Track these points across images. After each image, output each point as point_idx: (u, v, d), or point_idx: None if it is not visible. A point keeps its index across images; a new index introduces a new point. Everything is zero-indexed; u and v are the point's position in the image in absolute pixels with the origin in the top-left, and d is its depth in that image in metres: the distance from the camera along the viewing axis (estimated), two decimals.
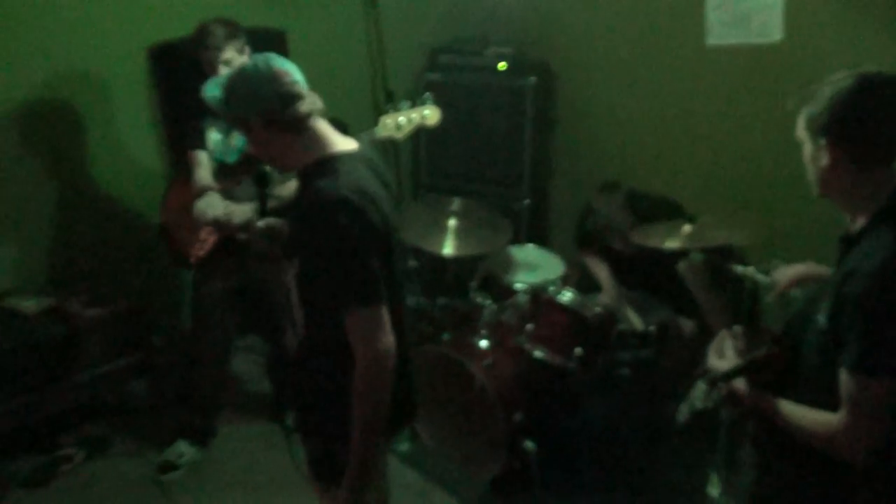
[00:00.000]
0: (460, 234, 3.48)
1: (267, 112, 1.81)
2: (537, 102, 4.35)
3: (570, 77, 4.63)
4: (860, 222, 1.67)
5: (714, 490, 2.75)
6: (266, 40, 3.68)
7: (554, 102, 4.73)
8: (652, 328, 3.14)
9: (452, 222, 3.51)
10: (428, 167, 4.67)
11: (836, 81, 1.64)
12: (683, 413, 1.82)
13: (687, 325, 3.35)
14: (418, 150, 4.70)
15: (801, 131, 1.71)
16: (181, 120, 3.16)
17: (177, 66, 3.53)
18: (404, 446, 3.31)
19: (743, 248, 2.92)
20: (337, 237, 1.74)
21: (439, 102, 4.52)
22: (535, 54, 4.59)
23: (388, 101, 4.58)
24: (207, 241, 3.04)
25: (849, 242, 1.69)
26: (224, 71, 2.95)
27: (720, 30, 3.84)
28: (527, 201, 4.50)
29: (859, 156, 1.63)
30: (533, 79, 4.28)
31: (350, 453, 1.82)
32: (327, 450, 1.96)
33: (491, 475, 3.04)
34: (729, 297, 2.97)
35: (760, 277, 2.85)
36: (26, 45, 3.23)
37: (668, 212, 3.28)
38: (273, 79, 1.82)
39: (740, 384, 1.80)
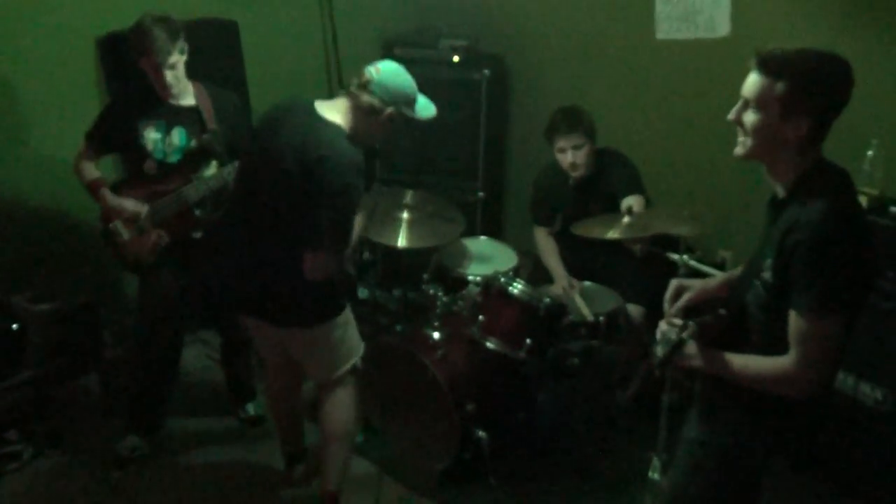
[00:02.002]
0: (413, 226, 3.49)
1: None
2: (491, 95, 4.38)
3: (523, 70, 4.67)
4: (785, 184, 1.80)
5: (655, 473, 2.82)
6: (218, 31, 3.68)
7: (508, 95, 4.77)
8: (601, 318, 3.19)
9: (405, 214, 3.52)
10: (382, 160, 4.66)
11: (811, 59, 1.72)
12: (659, 353, 1.89)
13: (636, 310, 3.42)
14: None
15: (764, 100, 1.74)
16: (110, 117, 3.05)
17: (126, 58, 3.48)
18: (358, 437, 3.31)
19: (689, 238, 2.99)
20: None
21: None
22: (489, 47, 4.62)
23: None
24: (153, 243, 3.02)
25: (779, 205, 1.82)
26: (170, 76, 2.91)
27: (669, 24, 3.91)
28: (481, 193, 4.53)
29: (823, 132, 1.75)
30: (487, 72, 4.30)
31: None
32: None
33: (443, 465, 3.07)
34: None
35: (694, 264, 2.94)
36: None
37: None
38: None
39: (692, 346, 1.89)
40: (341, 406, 2.82)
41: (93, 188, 3.03)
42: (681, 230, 2.92)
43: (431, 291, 3.32)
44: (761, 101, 1.75)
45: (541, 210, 3.83)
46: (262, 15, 4.08)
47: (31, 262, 3.52)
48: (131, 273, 3.17)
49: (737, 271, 2.19)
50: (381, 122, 2.54)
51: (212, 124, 3.04)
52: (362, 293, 4.36)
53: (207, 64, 3.44)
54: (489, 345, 3.01)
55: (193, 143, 3.03)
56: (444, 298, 3.28)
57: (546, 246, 3.77)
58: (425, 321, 3.21)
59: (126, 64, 3.45)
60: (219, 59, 3.56)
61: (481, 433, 2.95)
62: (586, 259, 3.64)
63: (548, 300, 3.02)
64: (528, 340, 2.99)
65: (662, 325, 1.96)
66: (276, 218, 2.50)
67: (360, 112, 2.50)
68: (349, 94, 2.51)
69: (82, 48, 3.54)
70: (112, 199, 3.01)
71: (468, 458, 3.02)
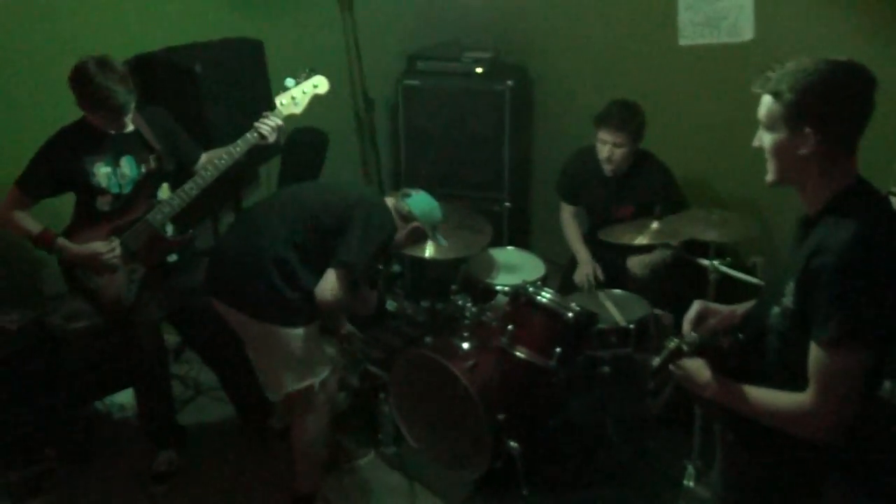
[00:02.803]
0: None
1: None
2: (515, 106, 4.38)
3: (546, 80, 4.68)
4: (816, 206, 1.69)
5: (690, 481, 2.80)
6: (243, 50, 3.72)
7: (531, 105, 4.78)
8: (631, 326, 3.18)
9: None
10: (408, 172, 4.69)
11: (808, 68, 1.62)
12: (656, 361, 1.83)
13: (667, 317, 3.40)
14: (398, 155, 4.73)
15: (772, 118, 1.67)
16: (48, 160, 2.87)
17: (153, 79, 3.54)
18: (390, 449, 3.33)
19: (721, 244, 2.97)
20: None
21: (418, 108, 4.61)
22: (512, 58, 4.64)
23: (369, 109, 4.62)
24: (128, 279, 2.96)
25: (808, 225, 1.71)
26: (127, 119, 2.86)
27: (692, 30, 3.89)
28: (507, 204, 4.53)
29: (841, 145, 1.64)
30: (510, 82, 4.31)
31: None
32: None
33: (476, 476, 3.06)
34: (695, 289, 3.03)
35: (724, 269, 2.92)
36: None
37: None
38: None
39: (704, 371, 1.79)
40: (302, 427, 2.90)
41: (44, 240, 2.86)
42: (710, 236, 2.90)
43: (460, 302, 3.33)
44: (770, 121, 1.69)
45: (567, 187, 3.89)
46: (286, 33, 4.13)
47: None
48: (112, 321, 3.07)
49: None
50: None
51: (155, 144, 2.97)
52: (391, 305, 4.37)
53: (233, 83, 3.50)
54: (519, 354, 3.00)
55: (143, 168, 2.95)
56: (473, 309, 3.29)
57: (570, 225, 3.85)
58: (454, 332, 3.21)
59: (154, 84, 3.54)
60: (244, 78, 3.60)
61: (513, 443, 2.94)
62: (615, 264, 3.63)
63: (577, 309, 3.01)
64: (557, 349, 2.98)
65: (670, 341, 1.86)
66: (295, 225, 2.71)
67: None
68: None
69: None
70: (77, 248, 2.86)
71: (500, 468, 3.01)
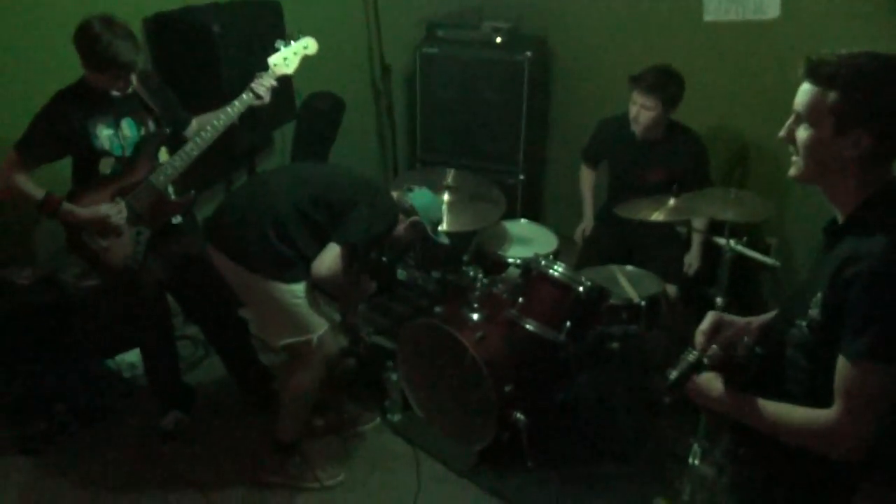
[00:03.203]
0: (454, 207, 3.50)
1: None
2: (533, 77, 4.34)
3: (566, 52, 4.63)
4: (846, 210, 1.58)
5: (695, 460, 2.80)
6: (262, 11, 3.69)
7: (550, 77, 4.73)
8: (643, 303, 3.16)
9: (447, 196, 3.52)
10: (424, 141, 4.67)
11: (867, 64, 1.48)
12: (672, 375, 1.71)
13: (671, 289, 3.40)
14: (414, 124, 4.70)
15: (817, 112, 1.53)
16: (49, 123, 2.79)
17: (172, 38, 3.52)
18: (396, 417, 3.34)
19: (741, 224, 2.95)
20: None
21: (436, 77, 4.58)
22: (532, 29, 4.58)
23: (385, 76, 4.59)
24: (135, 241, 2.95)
25: (835, 232, 1.60)
26: (133, 78, 2.84)
27: (717, 6, 3.84)
28: (521, 176, 4.51)
29: (891, 151, 1.52)
30: (529, 53, 4.26)
31: None
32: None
33: (481, 446, 3.07)
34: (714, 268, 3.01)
35: (741, 249, 2.90)
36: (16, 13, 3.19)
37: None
38: None
39: (716, 384, 1.70)
40: (294, 380, 2.93)
41: (49, 206, 2.80)
42: (727, 215, 2.88)
43: (471, 273, 3.32)
44: (813, 115, 1.53)
45: (593, 151, 3.92)
46: None
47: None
48: (115, 283, 3.05)
49: None
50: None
51: (153, 106, 2.96)
52: (401, 275, 4.38)
53: (250, 44, 3.47)
54: (528, 327, 3.00)
55: (143, 130, 2.94)
56: (484, 280, 3.28)
57: (587, 180, 3.96)
58: (464, 303, 3.21)
59: (172, 43, 3.52)
60: (263, 39, 3.57)
61: (519, 415, 2.94)
62: (627, 237, 3.63)
63: (588, 283, 3.00)
64: (567, 323, 2.97)
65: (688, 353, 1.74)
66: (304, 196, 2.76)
67: None
68: None
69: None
70: (84, 211, 2.82)
71: (506, 439, 3.02)
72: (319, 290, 2.89)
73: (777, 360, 1.67)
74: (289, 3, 3.83)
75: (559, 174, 4.92)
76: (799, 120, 1.57)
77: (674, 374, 1.70)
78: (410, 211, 2.93)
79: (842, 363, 1.49)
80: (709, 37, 3.88)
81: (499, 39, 4.32)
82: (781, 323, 1.71)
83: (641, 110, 3.46)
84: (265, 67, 3.02)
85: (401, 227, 2.94)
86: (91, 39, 2.66)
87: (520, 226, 3.90)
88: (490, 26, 4.37)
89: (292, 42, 3.08)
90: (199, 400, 3.43)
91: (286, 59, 3.06)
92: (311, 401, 3.03)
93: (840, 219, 1.60)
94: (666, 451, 3.11)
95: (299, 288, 2.77)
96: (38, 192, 2.80)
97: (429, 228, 2.99)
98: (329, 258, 2.71)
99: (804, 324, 1.59)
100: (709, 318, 1.86)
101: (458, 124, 4.54)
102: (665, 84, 3.42)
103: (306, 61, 3.12)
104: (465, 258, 3.51)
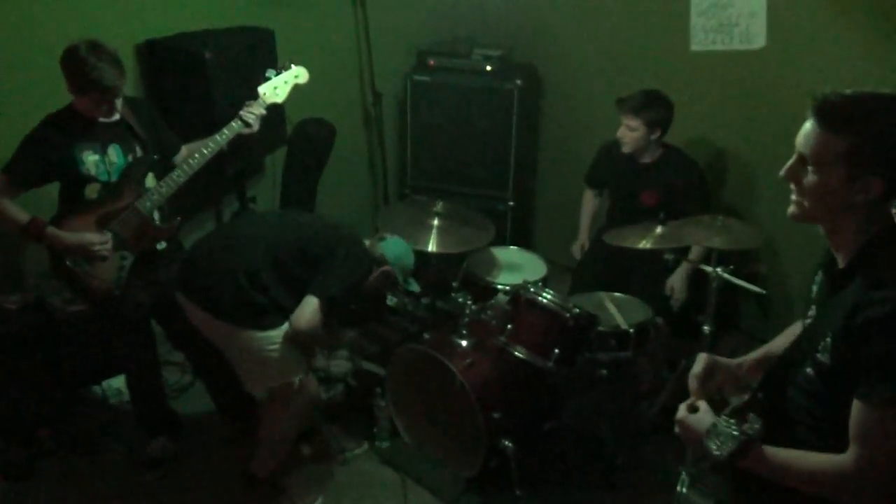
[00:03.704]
0: (443, 233, 3.51)
1: None
2: (523, 105, 4.38)
3: (555, 80, 4.67)
4: (848, 250, 1.55)
5: (683, 487, 2.78)
6: (254, 39, 3.71)
7: (540, 105, 4.77)
8: (631, 330, 3.16)
9: (436, 222, 3.53)
10: (414, 167, 4.68)
11: (882, 107, 1.46)
12: (717, 450, 1.58)
13: (660, 318, 3.41)
14: (405, 151, 4.73)
15: (826, 156, 1.48)
16: (37, 147, 2.79)
17: (163, 64, 3.53)
18: (384, 443, 3.32)
19: (729, 251, 2.96)
20: None
21: (426, 104, 4.61)
22: (522, 57, 4.63)
23: (376, 102, 4.61)
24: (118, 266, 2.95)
25: (839, 275, 1.56)
26: (118, 104, 2.83)
27: (704, 35, 3.88)
28: (511, 203, 4.53)
29: None
30: (519, 81, 4.31)
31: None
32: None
33: (469, 474, 3.06)
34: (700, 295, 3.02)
35: (728, 277, 2.91)
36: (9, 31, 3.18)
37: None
38: None
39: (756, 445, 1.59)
40: (275, 420, 2.95)
41: (33, 230, 2.78)
42: (714, 243, 2.89)
43: (460, 300, 3.32)
44: (821, 161, 1.48)
45: (594, 175, 3.99)
46: (298, 23, 4.11)
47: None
48: (98, 308, 3.03)
49: (776, 344, 1.88)
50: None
51: (141, 133, 2.96)
52: (390, 300, 4.36)
53: (242, 71, 3.49)
54: (517, 354, 2.99)
55: (130, 157, 2.94)
56: (473, 307, 3.28)
57: (587, 204, 4.03)
58: (453, 329, 3.21)
59: (164, 70, 3.53)
60: (255, 66, 3.60)
61: (507, 442, 2.93)
62: (622, 262, 3.64)
63: (577, 310, 3.00)
64: (556, 350, 2.97)
65: (704, 416, 1.66)
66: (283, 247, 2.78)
67: None
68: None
69: (122, 56, 3.57)
70: (69, 237, 2.81)
71: (494, 467, 3.00)
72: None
73: (781, 405, 1.62)
74: (281, 30, 3.86)
75: (549, 201, 4.94)
76: (804, 162, 1.52)
77: (720, 449, 1.57)
78: (381, 260, 2.97)
79: (859, 408, 1.45)
80: (696, 66, 3.92)
81: (489, 67, 4.36)
82: (783, 368, 1.67)
83: (626, 131, 3.55)
84: (256, 95, 3.04)
85: (372, 276, 2.96)
86: (76, 62, 2.67)
87: (509, 252, 3.91)
88: (480, 54, 4.41)
89: (283, 71, 3.11)
90: (186, 427, 3.40)
91: (276, 88, 3.10)
92: (291, 440, 3.03)
93: (841, 259, 1.57)
94: (654, 479, 3.10)
95: (276, 334, 2.76)
96: (23, 217, 2.79)
97: (400, 277, 3.02)
98: (308, 311, 2.71)
99: (810, 366, 1.55)
100: (701, 362, 1.81)
101: (448, 151, 4.56)
102: (648, 105, 3.49)
103: (297, 89, 3.14)
104: (455, 284, 3.51)
